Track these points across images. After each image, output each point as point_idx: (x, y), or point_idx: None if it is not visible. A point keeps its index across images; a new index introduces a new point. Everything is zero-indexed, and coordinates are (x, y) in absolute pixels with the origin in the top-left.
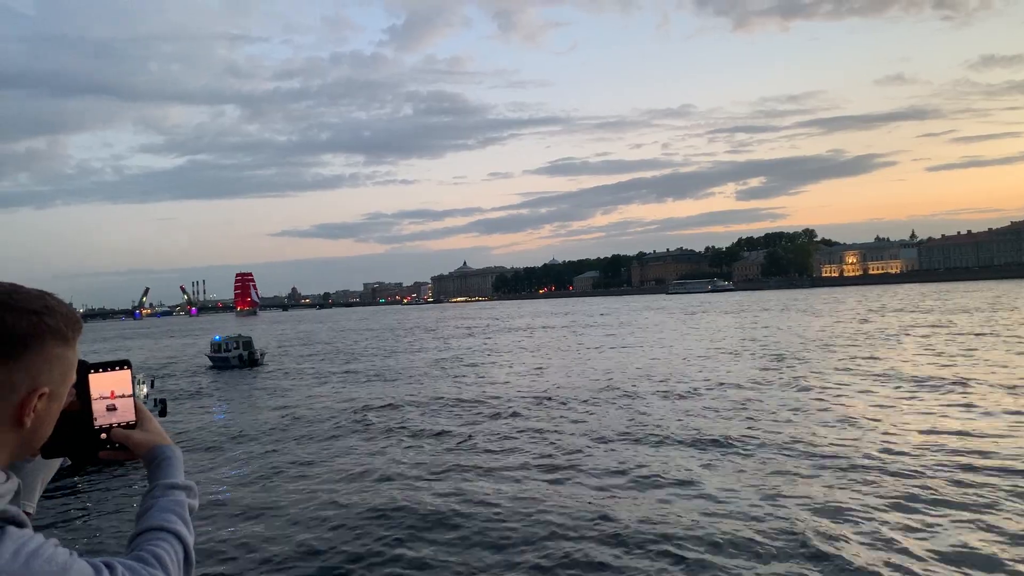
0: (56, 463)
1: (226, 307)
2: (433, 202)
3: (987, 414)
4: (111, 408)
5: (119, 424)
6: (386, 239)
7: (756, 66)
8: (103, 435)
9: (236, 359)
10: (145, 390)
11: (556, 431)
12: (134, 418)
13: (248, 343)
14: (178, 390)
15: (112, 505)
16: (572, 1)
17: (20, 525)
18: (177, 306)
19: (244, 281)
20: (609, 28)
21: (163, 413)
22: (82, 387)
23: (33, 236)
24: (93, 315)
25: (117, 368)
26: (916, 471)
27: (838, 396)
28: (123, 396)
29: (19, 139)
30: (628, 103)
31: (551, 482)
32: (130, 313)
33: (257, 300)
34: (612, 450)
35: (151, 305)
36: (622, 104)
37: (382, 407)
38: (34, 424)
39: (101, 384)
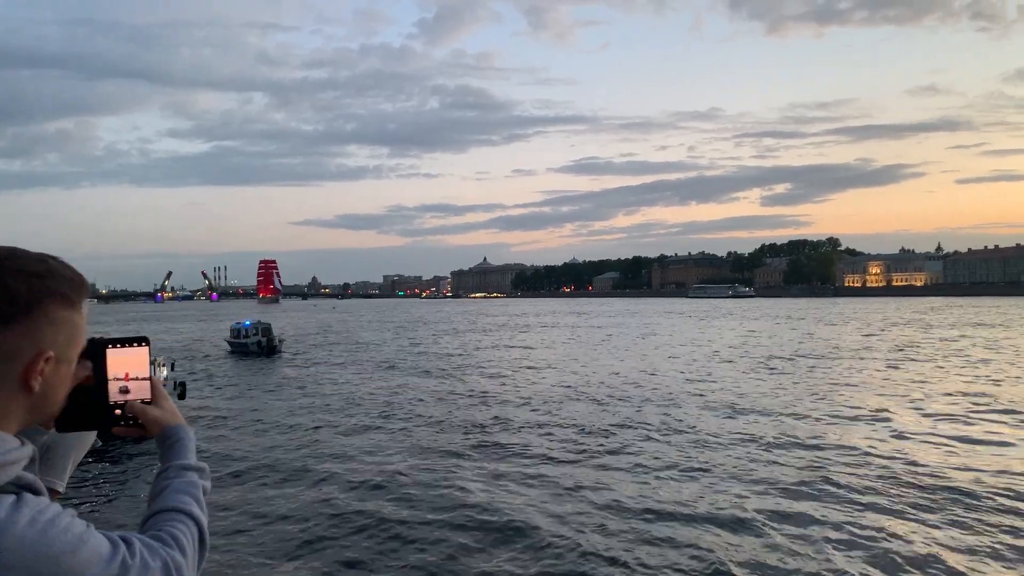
0: (88, 443)
1: (246, 293)
2: (455, 197)
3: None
4: (127, 384)
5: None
6: (407, 232)
7: (788, 71)
8: (117, 411)
9: (255, 345)
10: (165, 372)
11: (560, 429)
12: (150, 395)
13: (267, 330)
14: (198, 371)
15: (130, 483)
16: (605, 0)
17: (36, 492)
18: (198, 291)
19: (267, 268)
20: (641, 28)
21: (182, 396)
22: (99, 363)
23: (61, 216)
24: (115, 296)
25: (135, 344)
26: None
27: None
28: (140, 372)
29: (51, 120)
30: (655, 104)
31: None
32: (152, 296)
33: (280, 288)
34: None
35: (172, 289)
36: (649, 105)
37: (396, 398)
38: (43, 389)
39: (118, 360)
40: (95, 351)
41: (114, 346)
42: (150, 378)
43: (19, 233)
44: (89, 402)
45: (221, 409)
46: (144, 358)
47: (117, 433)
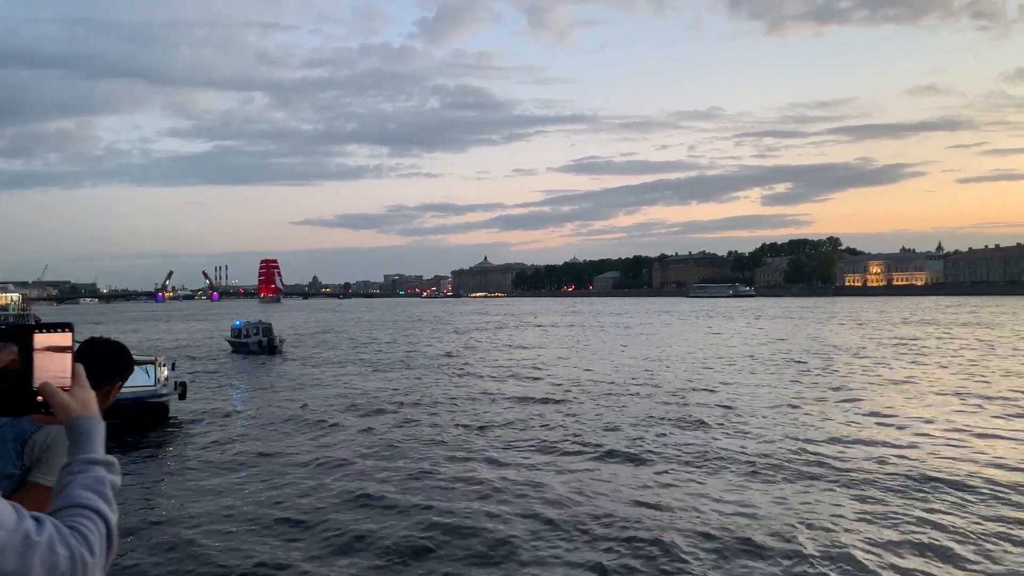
0: None
1: (247, 293)
2: (455, 196)
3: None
4: (48, 368)
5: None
6: (408, 231)
7: (788, 71)
8: (40, 397)
9: (256, 345)
10: (166, 372)
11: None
12: (70, 382)
13: (268, 329)
14: (198, 371)
15: (129, 484)
16: None
17: None
18: (199, 290)
19: (269, 268)
20: (640, 28)
21: (183, 396)
22: (25, 347)
23: (62, 216)
24: (116, 296)
25: (60, 330)
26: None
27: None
28: (62, 357)
29: (51, 119)
30: (656, 104)
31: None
32: (153, 295)
33: (281, 287)
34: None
35: (173, 288)
36: (649, 104)
37: (396, 397)
38: None
39: (44, 344)
40: (22, 336)
41: (40, 331)
42: (72, 364)
43: (20, 233)
44: (14, 386)
45: (222, 409)
46: (67, 342)
47: (38, 421)
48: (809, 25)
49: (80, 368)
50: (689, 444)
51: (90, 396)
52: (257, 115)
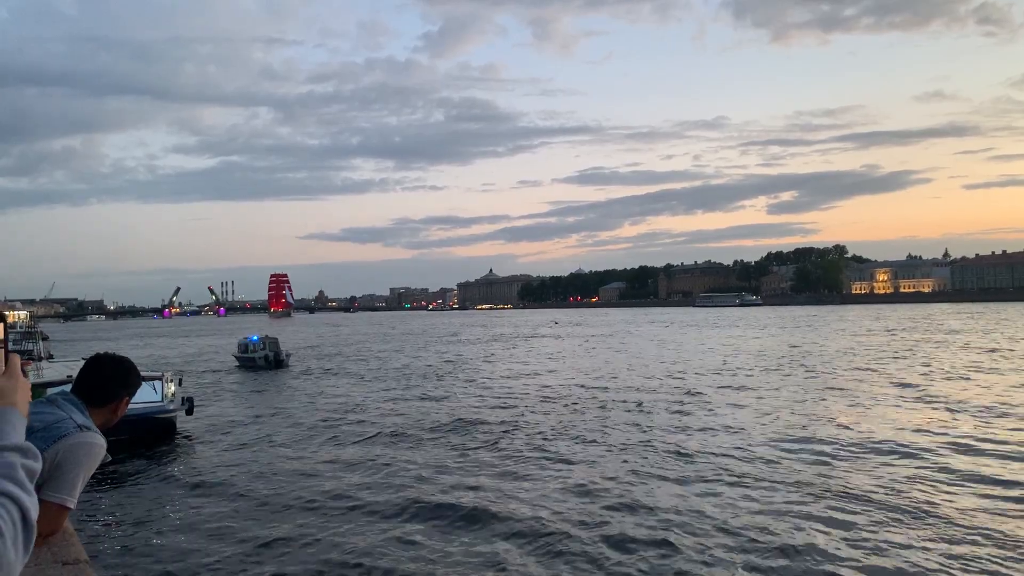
0: (97, 458)
1: (254, 308)
2: (461, 209)
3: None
4: None
5: None
6: (413, 244)
7: (793, 79)
8: None
9: (262, 360)
10: (173, 387)
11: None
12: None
13: (275, 344)
14: (205, 387)
15: (136, 498)
16: (608, 11)
17: None
18: (206, 306)
19: (279, 282)
20: (645, 38)
21: (190, 411)
22: None
23: (68, 233)
24: (123, 313)
25: None
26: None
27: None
28: None
29: (57, 137)
30: (660, 114)
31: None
32: (159, 311)
33: (291, 302)
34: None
35: (180, 304)
36: (654, 115)
37: (404, 411)
38: None
39: None
40: None
41: None
42: (4, 352)
43: (27, 251)
44: None
45: (229, 424)
46: None
47: None
48: (814, 33)
49: (16, 360)
50: (698, 454)
51: (8, 386)
52: (262, 130)
